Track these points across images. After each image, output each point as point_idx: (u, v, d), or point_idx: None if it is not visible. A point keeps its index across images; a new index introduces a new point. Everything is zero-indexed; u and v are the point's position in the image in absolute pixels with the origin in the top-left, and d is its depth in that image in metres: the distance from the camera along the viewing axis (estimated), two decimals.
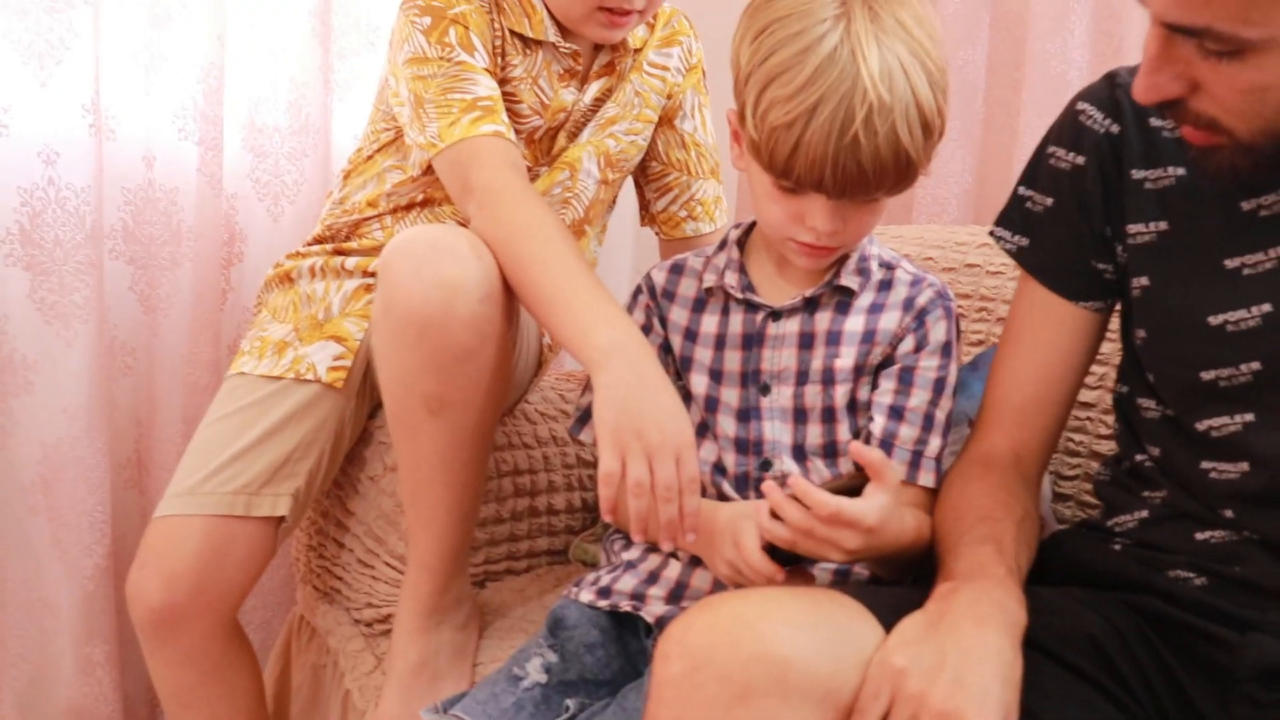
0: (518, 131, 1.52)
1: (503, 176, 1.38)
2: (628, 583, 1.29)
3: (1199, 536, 1.13)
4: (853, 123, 1.12)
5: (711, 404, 1.29)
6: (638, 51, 1.61)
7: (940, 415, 1.26)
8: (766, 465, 1.27)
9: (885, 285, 1.28)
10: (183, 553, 1.44)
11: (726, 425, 1.28)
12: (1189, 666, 1.09)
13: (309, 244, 1.67)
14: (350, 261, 1.60)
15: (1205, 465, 1.12)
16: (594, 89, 1.58)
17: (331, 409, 1.53)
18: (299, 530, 1.68)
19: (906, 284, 1.28)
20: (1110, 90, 1.16)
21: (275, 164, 1.94)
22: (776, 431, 1.27)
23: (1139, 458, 1.20)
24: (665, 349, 1.33)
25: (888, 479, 1.10)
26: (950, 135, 1.97)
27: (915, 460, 1.25)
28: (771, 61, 1.15)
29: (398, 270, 1.30)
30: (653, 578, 1.29)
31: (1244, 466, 1.10)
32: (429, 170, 1.52)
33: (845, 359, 1.26)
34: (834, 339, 1.26)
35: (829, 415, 1.27)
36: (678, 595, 1.27)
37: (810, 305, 1.27)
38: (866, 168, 1.14)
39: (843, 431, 1.27)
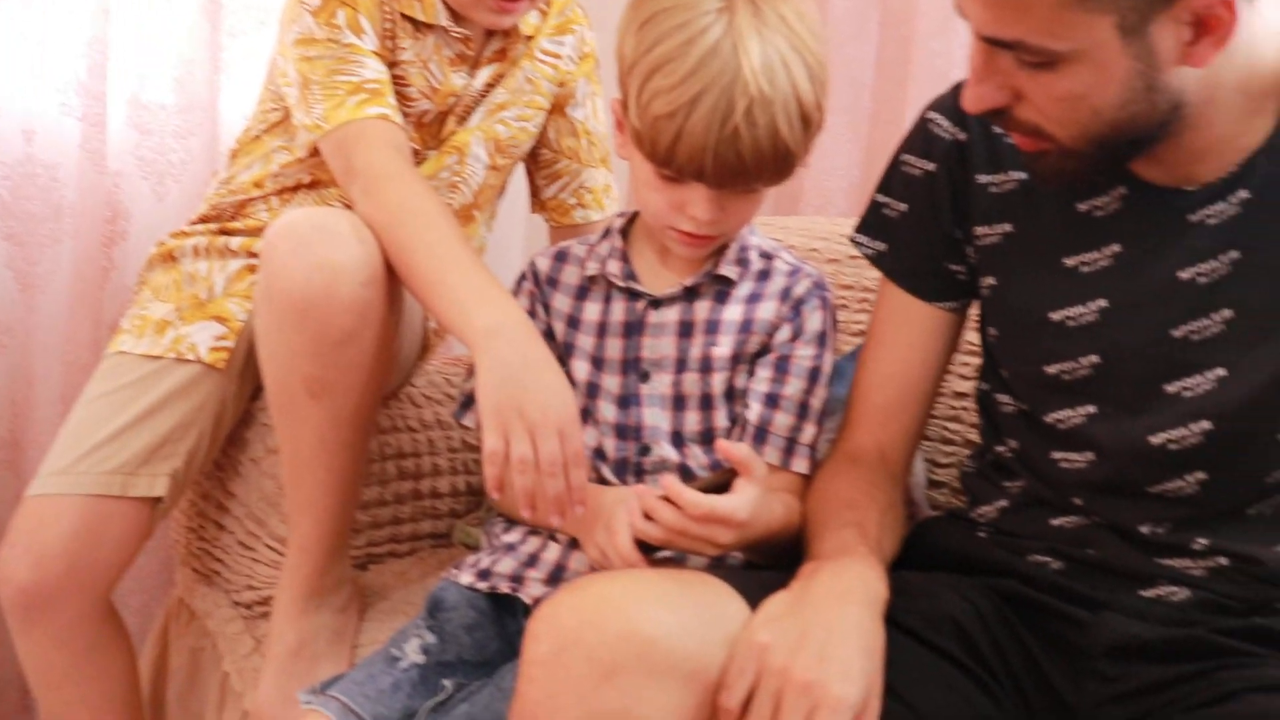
0: (406, 115, 1.52)
1: (386, 159, 1.38)
2: (507, 565, 1.30)
3: (1054, 522, 1.18)
4: (733, 114, 1.14)
5: (592, 390, 1.31)
6: (530, 38, 1.61)
7: (815, 403, 1.28)
8: (645, 450, 1.29)
9: (764, 275, 1.30)
10: (55, 532, 1.42)
11: (607, 411, 1.30)
12: (1046, 645, 1.14)
13: (193, 223, 1.65)
14: (235, 241, 1.59)
15: (1056, 455, 1.17)
16: (485, 74, 1.58)
17: (212, 390, 1.51)
18: (179, 512, 1.67)
19: (784, 274, 1.30)
20: (957, 99, 1.20)
21: (161, 142, 1.92)
22: (655, 418, 1.29)
23: (999, 449, 1.24)
24: (548, 335, 1.34)
25: (756, 474, 1.12)
26: (838, 130, 2.01)
27: (789, 447, 1.27)
28: (655, 52, 1.16)
29: (280, 252, 1.30)
30: (532, 560, 1.30)
31: (1090, 456, 1.15)
32: (316, 152, 1.51)
33: (723, 347, 1.28)
34: (712, 327, 1.29)
35: (707, 402, 1.29)
36: (556, 577, 1.28)
37: (690, 294, 1.29)
38: (746, 159, 1.16)
39: (720, 418, 1.29)
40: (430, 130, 1.58)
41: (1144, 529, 1.13)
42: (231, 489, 1.60)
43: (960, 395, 1.60)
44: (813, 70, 1.19)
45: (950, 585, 1.15)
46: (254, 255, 1.56)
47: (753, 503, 1.12)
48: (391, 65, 1.50)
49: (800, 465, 1.27)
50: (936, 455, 1.62)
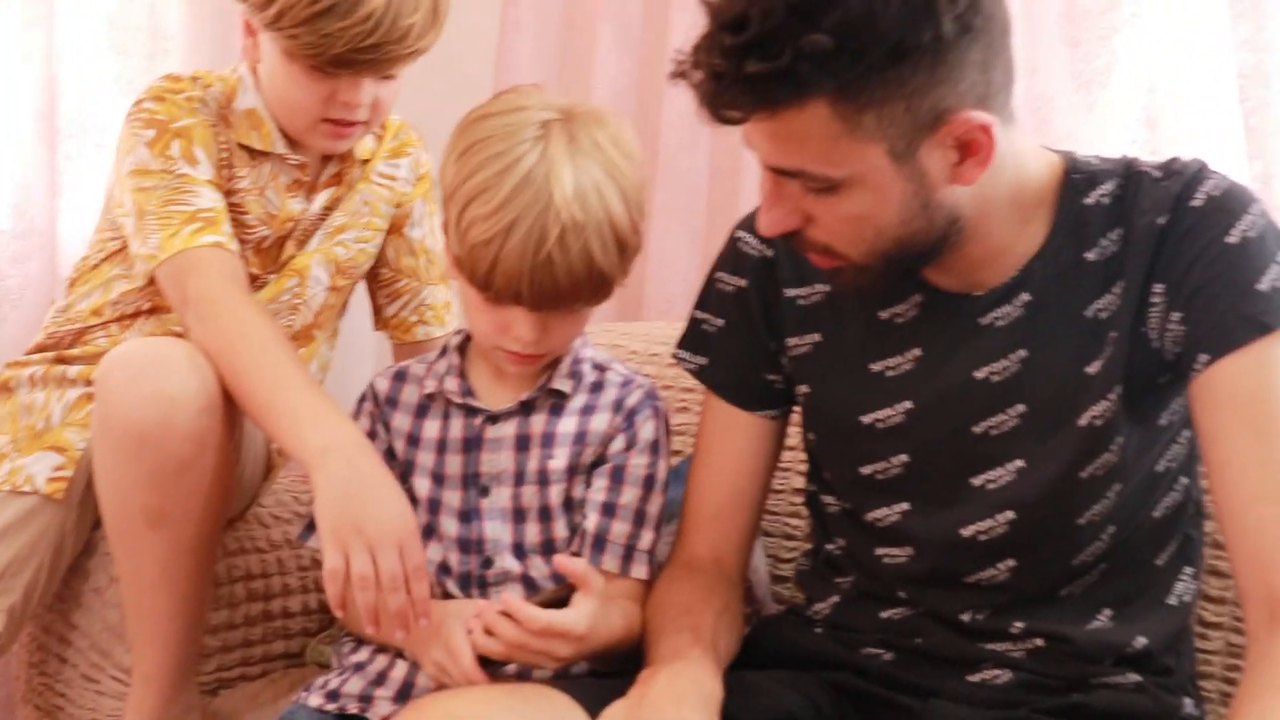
0: (244, 241, 1.54)
1: (219, 286, 1.40)
2: (355, 684, 1.30)
3: (883, 615, 1.23)
4: (546, 241, 1.18)
5: (434, 506, 1.33)
6: (366, 162, 1.65)
7: (651, 510, 1.31)
8: (488, 563, 1.31)
9: (597, 387, 1.34)
10: None
11: (449, 526, 1.32)
12: None
13: (30, 352, 1.64)
14: (73, 370, 1.58)
15: (879, 551, 1.22)
16: (322, 198, 1.61)
17: (51, 521, 1.50)
18: (18, 648, 1.63)
19: (617, 385, 1.34)
20: None
21: None
22: (496, 530, 1.31)
23: (829, 547, 1.30)
24: (389, 454, 1.35)
25: (593, 588, 1.16)
26: (677, 236, 2.08)
27: (628, 554, 1.30)
28: (473, 181, 1.20)
29: (115, 383, 1.31)
30: (380, 679, 1.30)
31: (909, 550, 1.21)
32: (154, 280, 1.52)
33: (559, 460, 1.30)
34: (548, 440, 1.31)
35: (546, 514, 1.31)
36: (404, 695, 1.28)
37: (526, 408, 1.32)
38: (562, 283, 1.20)
39: (559, 529, 1.31)
40: (269, 255, 1.60)
41: (964, 616, 1.18)
42: (74, 620, 1.57)
43: (799, 491, 1.64)
44: (626, 194, 1.23)
45: (788, 682, 1.19)
46: (92, 384, 1.55)
47: (590, 616, 1.15)
48: (229, 194, 1.52)
49: (639, 571, 1.30)
50: (780, 551, 1.66)
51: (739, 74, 0.99)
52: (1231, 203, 1.10)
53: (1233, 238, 1.08)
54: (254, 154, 1.55)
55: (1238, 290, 1.07)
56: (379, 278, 1.72)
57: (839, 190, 1.06)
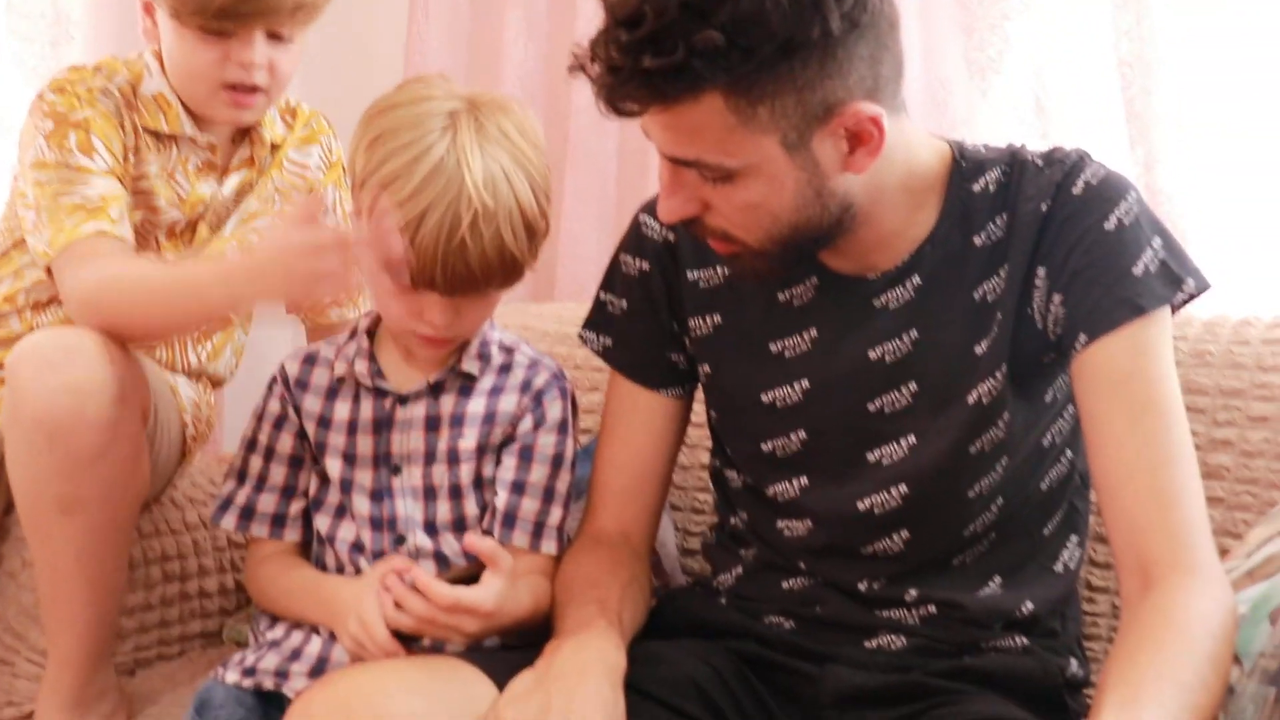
0: (154, 225, 1.55)
1: (98, 263, 1.42)
2: (271, 660, 1.32)
3: (784, 585, 1.28)
4: (459, 228, 1.20)
5: (346, 486, 1.35)
6: (276, 148, 1.66)
7: (560, 487, 1.35)
8: (401, 540, 1.34)
9: (505, 368, 1.37)
10: None
11: (361, 505, 1.35)
12: (781, 700, 1.23)
13: None
14: None
15: (780, 524, 1.27)
16: (233, 181, 1.62)
17: None
18: None
19: (524, 367, 1.37)
20: None
21: None
22: (409, 509, 1.34)
23: (733, 520, 1.34)
24: (300, 435, 1.38)
25: (501, 567, 1.20)
26: (587, 219, 2.11)
27: (538, 530, 1.33)
28: (384, 170, 1.22)
29: (26, 375, 1.32)
30: (295, 655, 1.32)
31: (808, 523, 1.26)
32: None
33: (468, 440, 1.33)
34: (457, 421, 1.34)
35: (456, 492, 1.34)
36: (319, 670, 1.30)
37: (435, 390, 1.35)
38: (475, 268, 1.22)
39: (470, 506, 1.34)
40: (184, 239, 1.61)
41: (861, 586, 1.24)
42: None
43: (706, 467, 1.68)
44: (534, 181, 1.26)
45: (692, 651, 1.23)
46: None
47: (498, 594, 1.19)
48: (137, 178, 1.53)
49: (549, 547, 1.33)
50: (688, 524, 1.71)
51: (635, 68, 1.03)
52: (1109, 190, 1.15)
53: (1110, 224, 1.14)
54: (161, 138, 1.56)
55: (1114, 274, 1.12)
56: None
57: (735, 179, 1.10)
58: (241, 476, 1.38)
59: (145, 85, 1.56)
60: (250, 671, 1.31)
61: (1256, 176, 1.68)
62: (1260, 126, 1.67)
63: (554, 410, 1.35)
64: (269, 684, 1.30)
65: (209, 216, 1.62)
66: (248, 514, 1.37)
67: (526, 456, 1.33)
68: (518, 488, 1.33)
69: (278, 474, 1.38)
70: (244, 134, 1.64)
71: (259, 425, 1.38)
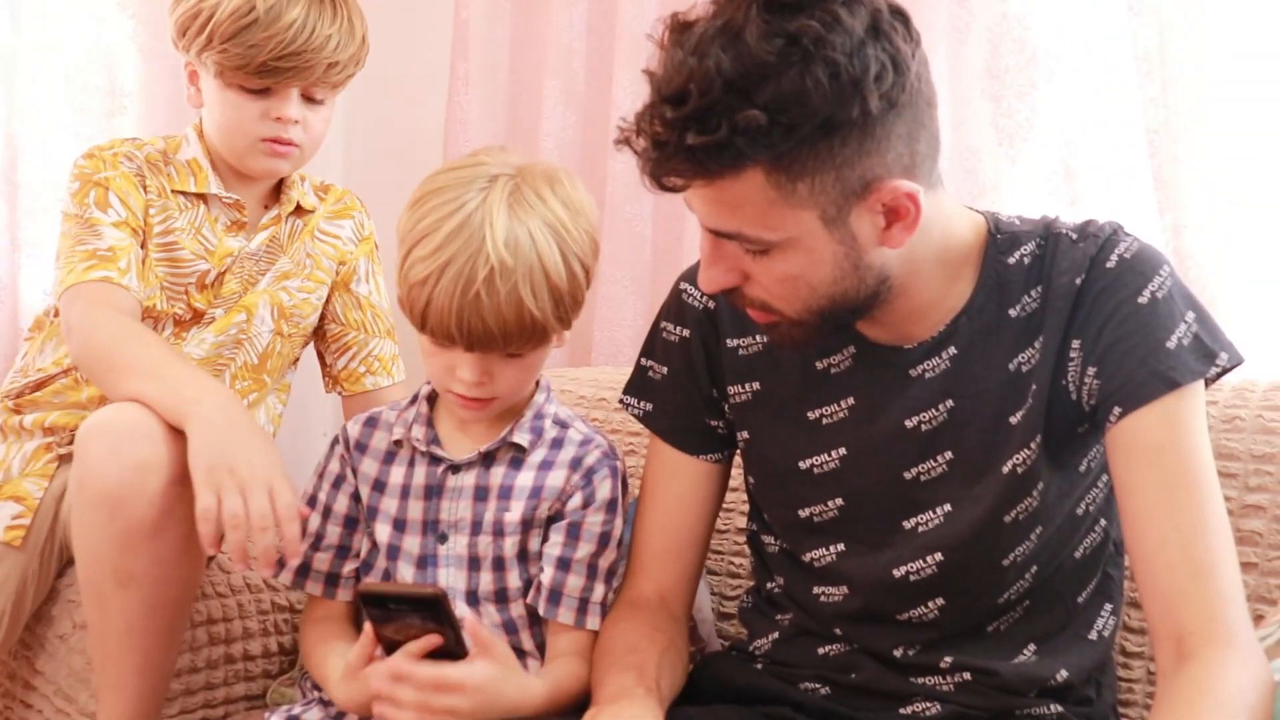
0: (181, 275, 1.65)
1: (97, 312, 1.52)
2: (316, 713, 1.34)
3: (820, 651, 1.29)
4: (475, 282, 1.23)
5: (393, 552, 1.37)
6: (309, 213, 1.75)
7: (604, 564, 1.35)
8: None
9: (557, 443, 1.38)
10: None
11: (405, 572, 1.37)
12: None
13: None
14: (28, 419, 1.64)
15: (816, 590, 1.29)
16: (260, 238, 1.71)
17: (12, 569, 1.54)
18: None
19: (576, 444, 1.37)
20: None
21: None
22: (452, 578, 1.36)
23: (769, 585, 1.36)
24: (356, 497, 1.40)
25: (494, 653, 1.21)
26: (623, 284, 2.14)
27: (583, 607, 1.34)
28: (419, 226, 1.26)
29: (93, 450, 1.38)
30: (340, 715, 1.34)
31: (844, 589, 1.27)
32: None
33: (514, 513, 1.35)
34: (505, 493, 1.36)
35: (500, 564, 1.35)
36: None
37: (487, 460, 1.36)
38: (491, 324, 1.24)
39: (513, 579, 1.35)
40: (214, 289, 1.69)
41: (896, 652, 1.25)
42: (39, 666, 1.61)
43: (743, 531, 1.70)
44: (566, 246, 1.28)
45: (728, 717, 1.25)
46: (49, 433, 1.63)
47: (486, 674, 1.19)
48: (164, 233, 1.64)
49: (593, 623, 1.33)
50: (724, 589, 1.73)
51: (679, 145, 1.06)
52: (1142, 264, 1.17)
53: (1143, 298, 1.16)
54: (190, 198, 1.67)
55: (1148, 348, 1.14)
56: (327, 334, 1.80)
57: (774, 252, 1.12)
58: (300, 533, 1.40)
59: (181, 153, 1.68)
60: None
61: None
62: None
63: (604, 489, 1.36)
64: None
65: (236, 268, 1.69)
66: (304, 570, 1.40)
67: (574, 534, 1.34)
68: (563, 564, 1.34)
69: (333, 533, 1.40)
70: (275, 196, 1.73)
71: (319, 483, 1.41)
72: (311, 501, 1.41)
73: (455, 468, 1.37)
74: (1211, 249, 1.67)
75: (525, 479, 1.36)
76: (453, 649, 1.20)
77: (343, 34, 1.61)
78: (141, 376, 1.42)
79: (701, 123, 1.04)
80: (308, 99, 1.64)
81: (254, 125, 1.62)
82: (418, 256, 1.26)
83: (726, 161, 1.06)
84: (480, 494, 1.36)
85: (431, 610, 1.18)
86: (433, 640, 1.19)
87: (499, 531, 1.35)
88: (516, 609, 1.36)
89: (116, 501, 1.36)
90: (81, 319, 1.52)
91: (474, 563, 1.36)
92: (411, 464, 1.39)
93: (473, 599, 1.36)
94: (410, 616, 1.19)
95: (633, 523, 1.40)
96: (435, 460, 1.38)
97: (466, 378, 1.29)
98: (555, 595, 1.34)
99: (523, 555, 1.36)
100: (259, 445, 1.35)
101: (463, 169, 1.30)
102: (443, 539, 1.36)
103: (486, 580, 1.35)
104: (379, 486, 1.39)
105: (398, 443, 1.40)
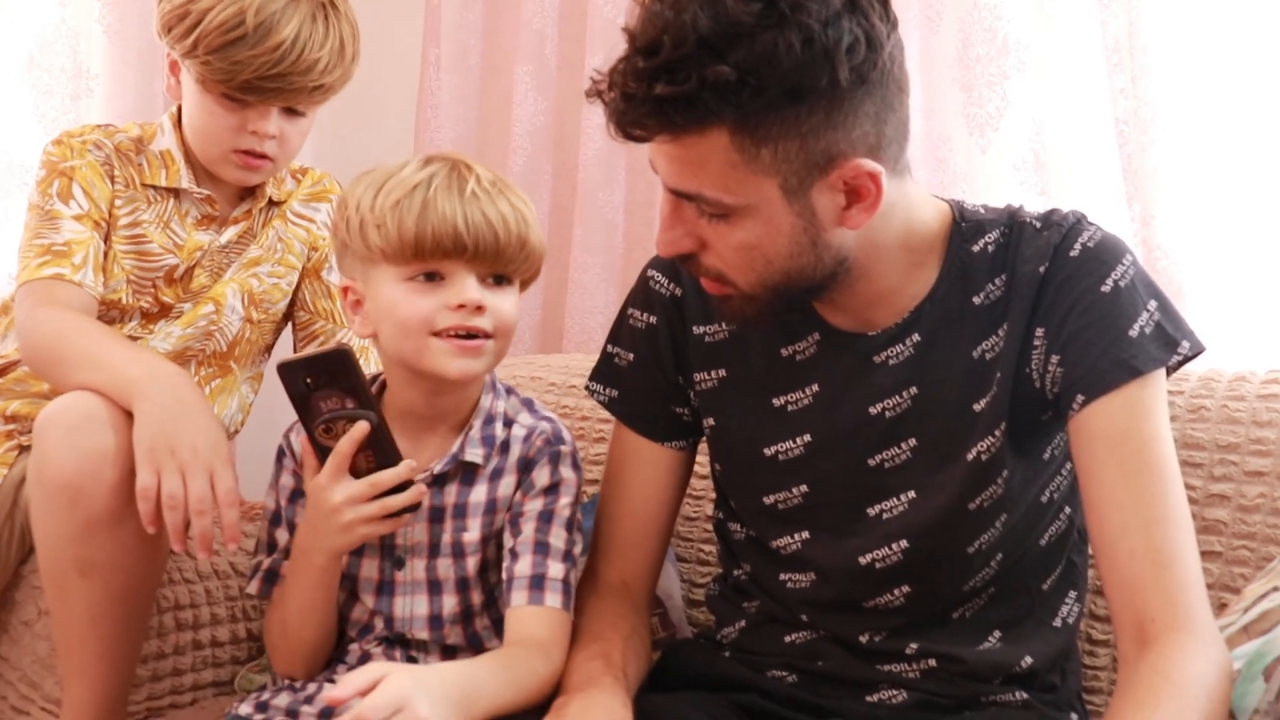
0: (149, 269, 1.64)
1: (40, 310, 1.51)
2: (284, 699, 1.31)
3: (787, 639, 1.30)
4: (468, 181, 1.24)
5: (350, 582, 1.32)
6: (279, 204, 1.73)
7: (556, 543, 1.29)
8: (401, 639, 1.32)
9: (505, 447, 1.32)
10: None
11: (367, 597, 1.32)
12: None
13: None
14: None
15: (783, 577, 1.29)
16: (231, 232, 1.69)
17: None
18: None
19: (521, 440, 1.32)
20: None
21: None
22: (412, 606, 1.31)
23: (736, 573, 1.36)
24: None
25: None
26: (594, 270, 2.14)
27: (537, 583, 1.27)
28: (375, 174, 1.27)
29: (50, 440, 1.36)
30: (309, 699, 1.31)
31: (811, 576, 1.28)
32: None
33: (472, 532, 1.31)
34: (460, 511, 1.31)
35: (464, 585, 1.31)
36: (328, 713, 1.27)
37: (439, 480, 1.31)
38: (494, 221, 1.24)
39: (476, 596, 1.32)
40: (182, 283, 1.67)
41: (863, 638, 1.25)
42: (3, 653, 1.60)
43: (712, 518, 1.71)
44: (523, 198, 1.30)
45: (696, 704, 1.24)
46: (10, 420, 1.62)
47: (385, 700, 1.06)
48: (130, 225, 1.62)
49: (552, 600, 1.26)
50: (694, 575, 1.73)
51: (648, 95, 1.06)
52: (1105, 253, 1.18)
53: (1106, 286, 1.16)
54: (160, 191, 1.65)
55: (1110, 336, 1.15)
56: (296, 321, 1.78)
57: (732, 218, 1.12)
58: (271, 548, 1.37)
59: (155, 143, 1.65)
60: (263, 706, 1.31)
61: (1251, 233, 1.70)
62: (1255, 184, 1.69)
63: (542, 476, 1.31)
64: None
65: (205, 262, 1.68)
66: (270, 578, 1.35)
67: (516, 523, 1.31)
68: (512, 554, 1.30)
69: None
70: (248, 189, 1.71)
71: (277, 498, 1.37)
72: (275, 518, 1.37)
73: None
74: (1180, 239, 1.68)
75: (479, 494, 1.32)
76: (378, 444, 1.23)
77: (332, 56, 1.56)
78: (86, 367, 1.41)
79: (671, 74, 1.05)
80: (289, 111, 1.61)
81: (229, 136, 1.59)
82: (390, 187, 1.24)
83: (693, 116, 1.06)
84: (436, 515, 1.32)
85: (343, 368, 1.21)
86: (361, 428, 1.21)
87: (459, 553, 1.31)
88: (481, 622, 1.34)
89: (75, 491, 1.34)
90: (27, 317, 1.52)
91: (435, 586, 1.32)
92: None
93: (436, 623, 1.32)
94: (330, 390, 1.21)
95: (596, 509, 1.39)
96: None
97: (469, 299, 1.23)
98: (509, 583, 1.28)
99: (483, 570, 1.32)
100: (203, 426, 1.33)
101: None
102: (399, 564, 1.32)
103: (450, 604, 1.31)
104: None
105: None
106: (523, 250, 1.27)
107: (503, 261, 1.26)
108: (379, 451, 1.24)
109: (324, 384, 1.22)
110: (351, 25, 1.60)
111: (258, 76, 1.52)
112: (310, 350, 1.27)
